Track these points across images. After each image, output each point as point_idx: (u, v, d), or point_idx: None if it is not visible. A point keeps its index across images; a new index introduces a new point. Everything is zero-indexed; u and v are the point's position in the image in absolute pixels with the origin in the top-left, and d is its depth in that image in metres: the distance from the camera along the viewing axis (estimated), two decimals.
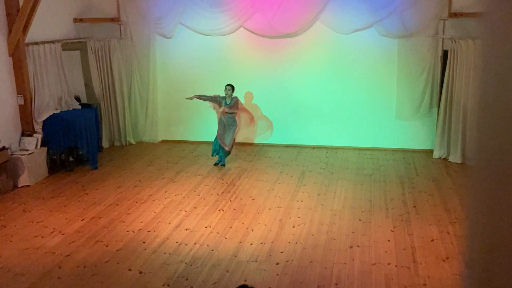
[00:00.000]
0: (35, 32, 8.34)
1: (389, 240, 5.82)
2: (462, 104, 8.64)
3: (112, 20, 10.00)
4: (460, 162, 8.77)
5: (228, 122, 8.69)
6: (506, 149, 0.90)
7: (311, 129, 9.92)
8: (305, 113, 9.87)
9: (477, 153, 1.11)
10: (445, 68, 8.81)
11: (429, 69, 9.12)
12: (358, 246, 5.69)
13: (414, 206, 6.84)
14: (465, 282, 1.07)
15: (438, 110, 9.05)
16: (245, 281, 4.93)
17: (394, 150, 9.52)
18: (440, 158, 9.05)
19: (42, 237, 6.07)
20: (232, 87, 8.69)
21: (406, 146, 9.55)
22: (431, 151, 9.25)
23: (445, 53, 8.87)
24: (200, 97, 8.70)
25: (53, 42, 8.84)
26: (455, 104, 8.72)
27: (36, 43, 8.41)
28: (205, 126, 10.32)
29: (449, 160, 8.90)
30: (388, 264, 5.27)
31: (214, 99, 8.74)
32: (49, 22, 9.03)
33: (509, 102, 0.90)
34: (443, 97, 8.87)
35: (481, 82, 1.06)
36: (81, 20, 9.87)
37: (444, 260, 5.32)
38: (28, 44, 8.19)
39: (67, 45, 9.41)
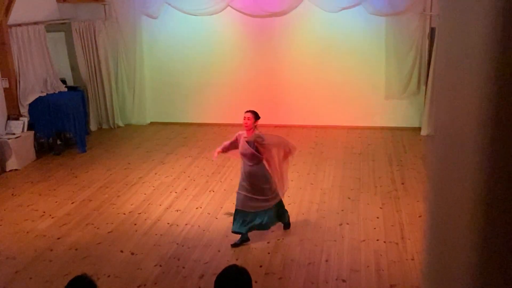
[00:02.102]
0: (17, 14, 8.17)
1: (377, 217, 5.90)
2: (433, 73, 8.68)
3: (96, 0, 9.82)
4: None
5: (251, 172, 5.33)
6: (455, 118, 0.96)
7: (300, 109, 9.92)
8: (294, 93, 9.86)
9: (434, 123, 1.18)
10: (433, 45, 8.83)
11: (416, 47, 9.13)
12: (347, 224, 5.77)
13: (403, 183, 6.93)
14: (425, 242, 1.16)
15: (426, 87, 9.09)
16: (236, 260, 4.98)
17: (383, 128, 9.58)
18: (428, 135, 9.13)
19: (33, 220, 6.05)
20: (254, 114, 5.47)
21: (394, 124, 9.62)
22: (419, 129, 9.33)
23: (432, 30, 8.88)
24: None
25: (36, 23, 8.68)
26: None
27: (20, 25, 8.25)
28: (193, 107, 10.28)
29: None
30: (377, 240, 5.35)
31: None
32: (32, 3, 8.84)
33: (457, 73, 0.94)
34: (430, 74, 8.91)
35: (436, 55, 1.09)
36: (64, 0, 9.68)
37: None
38: (11, 26, 8.04)
39: (51, 27, 9.24)
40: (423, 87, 9.27)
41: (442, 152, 1.03)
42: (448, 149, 0.99)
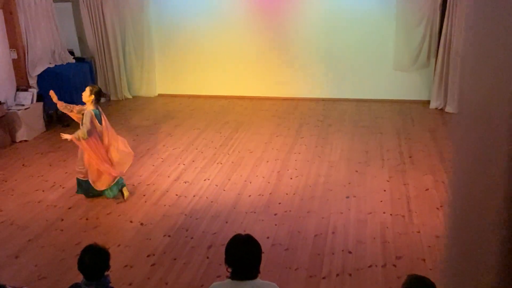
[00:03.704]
0: None
1: (384, 190, 5.93)
2: (460, 54, 8.56)
3: None
4: (456, 112, 8.80)
5: None
6: (485, 98, 0.93)
7: (308, 82, 9.86)
8: (302, 65, 9.78)
9: (460, 101, 1.15)
10: (444, 17, 8.67)
11: (428, 19, 8.96)
12: (354, 196, 5.80)
13: (410, 157, 6.92)
14: (447, 220, 1.13)
15: (436, 60, 8.97)
16: (244, 231, 5.04)
17: (391, 101, 9.51)
18: (436, 108, 9.07)
19: (43, 191, 6.15)
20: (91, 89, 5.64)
21: (403, 97, 9.54)
22: (428, 102, 9.26)
23: (444, 2, 8.70)
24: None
25: None
26: (453, 54, 8.64)
27: None
28: (201, 80, 10.25)
29: (445, 111, 8.92)
30: (384, 213, 5.39)
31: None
32: None
33: (489, 53, 0.91)
34: (441, 47, 8.78)
35: (466, 35, 1.06)
36: None
37: (438, 209, 5.44)
38: None
39: None
40: (433, 60, 9.15)
41: (468, 130, 1.01)
42: (475, 127, 0.97)
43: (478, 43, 0.97)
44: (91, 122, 5.48)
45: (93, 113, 5.52)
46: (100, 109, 5.69)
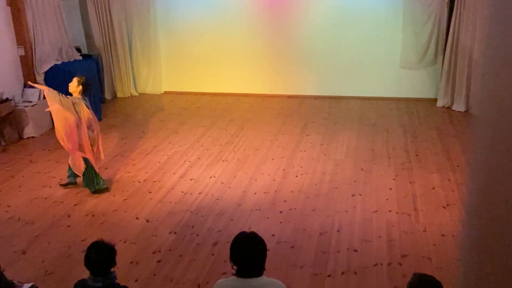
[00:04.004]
0: None
1: (390, 188, 5.91)
2: (467, 51, 8.51)
3: None
4: (464, 110, 8.75)
5: None
6: (507, 99, 0.91)
7: (314, 79, 9.84)
8: (308, 63, 9.77)
9: (481, 102, 1.12)
10: (452, 14, 8.62)
11: (435, 16, 8.91)
12: (360, 195, 5.79)
13: (416, 155, 6.90)
14: (464, 227, 1.10)
15: (443, 58, 8.92)
16: (249, 228, 5.05)
17: (398, 99, 9.48)
18: (443, 106, 9.02)
19: (50, 187, 6.19)
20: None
21: (409, 95, 9.50)
22: (435, 100, 9.21)
23: None
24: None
25: None
26: (461, 52, 8.60)
27: None
28: (207, 77, 10.26)
29: (452, 109, 8.87)
30: (389, 211, 5.38)
31: None
32: None
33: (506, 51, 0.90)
34: (448, 45, 8.73)
35: (486, 33, 1.05)
36: None
37: (444, 207, 5.42)
38: None
39: None
40: (440, 57, 9.10)
41: (487, 132, 0.99)
42: (496, 129, 0.95)
43: (501, 43, 0.95)
44: (85, 108, 5.59)
45: (83, 103, 5.60)
46: (87, 100, 5.75)
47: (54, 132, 5.89)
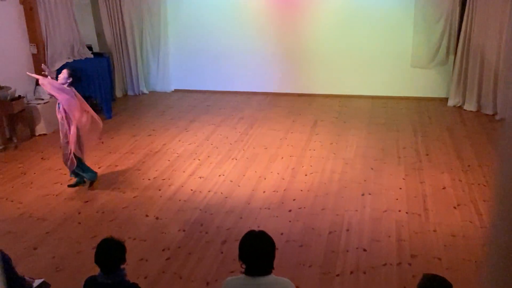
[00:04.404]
0: None
1: (400, 188, 5.88)
2: (480, 51, 8.43)
3: None
4: (475, 110, 8.68)
5: None
6: None
7: (324, 78, 9.81)
8: (318, 61, 9.74)
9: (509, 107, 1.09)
10: (464, 13, 8.54)
11: (447, 15, 8.84)
12: (369, 194, 5.77)
13: (427, 154, 6.85)
14: (489, 242, 1.06)
15: (455, 57, 8.85)
16: (258, 227, 5.06)
17: (408, 98, 9.42)
18: (455, 106, 8.95)
19: (61, 184, 6.24)
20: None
21: (420, 94, 9.44)
22: (446, 99, 9.14)
23: None
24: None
25: None
26: (473, 51, 8.52)
27: None
28: (217, 75, 10.28)
29: (464, 108, 8.80)
30: (399, 211, 5.35)
31: None
32: None
33: None
34: (460, 44, 8.65)
35: (510, 36, 1.02)
36: None
37: (455, 207, 5.38)
38: None
39: None
40: (452, 57, 9.03)
41: None
42: None
43: None
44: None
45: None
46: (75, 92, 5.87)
47: None
